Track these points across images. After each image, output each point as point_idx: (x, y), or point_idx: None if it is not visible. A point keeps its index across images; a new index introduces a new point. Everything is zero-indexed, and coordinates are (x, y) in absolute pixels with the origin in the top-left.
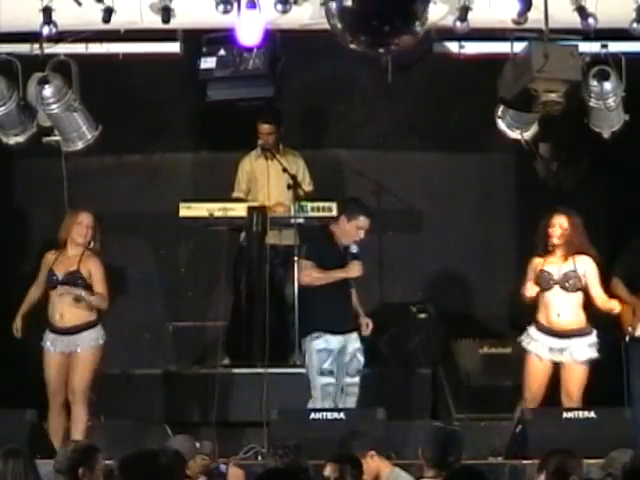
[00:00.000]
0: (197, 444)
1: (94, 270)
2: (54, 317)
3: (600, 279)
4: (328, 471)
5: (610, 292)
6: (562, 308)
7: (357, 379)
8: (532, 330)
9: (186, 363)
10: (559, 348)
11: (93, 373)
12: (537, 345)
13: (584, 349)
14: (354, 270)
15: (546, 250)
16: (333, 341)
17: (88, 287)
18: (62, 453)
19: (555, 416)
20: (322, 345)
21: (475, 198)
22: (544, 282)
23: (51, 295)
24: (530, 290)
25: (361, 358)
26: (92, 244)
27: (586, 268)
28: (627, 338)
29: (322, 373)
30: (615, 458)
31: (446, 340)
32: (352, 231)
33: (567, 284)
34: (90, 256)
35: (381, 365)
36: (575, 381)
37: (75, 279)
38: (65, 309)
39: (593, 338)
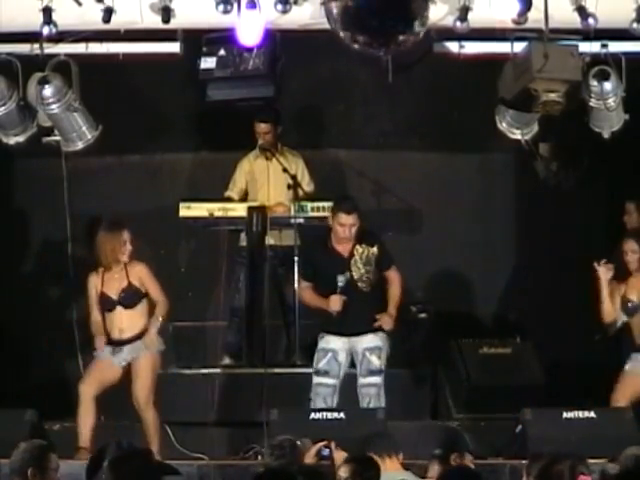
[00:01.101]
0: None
1: (142, 274)
2: (112, 333)
3: None
4: (343, 471)
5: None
6: None
7: (372, 379)
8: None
9: (186, 363)
10: None
11: (154, 378)
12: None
13: None
14: (334, 304)
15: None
16: (334, 341)
17: (144, 295)
18: (15, 453)
19: (555, 416)
20: (322, 345)
21: (475, 198)
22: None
23: (107, 315)
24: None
25: (373, 358)
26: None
27: None
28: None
29: (317, 372)
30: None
31: (446, 340)
32: (336, 229)
33: None
34: (133, 265)
35: None
36: None
37: (131, 297)
38: (123, 325)
39: None
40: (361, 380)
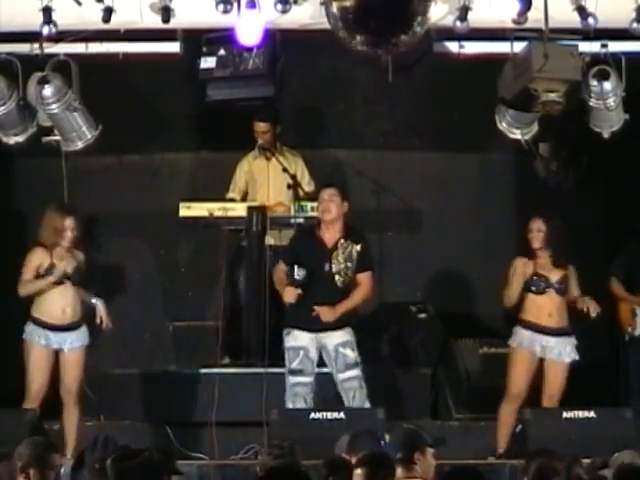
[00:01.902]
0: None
1: (82, 264)
2: (54, 313)
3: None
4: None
5: (608, 291)
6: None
7: (351, 373)
8: (520, 328)
9: (186, 363)
10: (548, 346)
11: (83, 371)
12: (528, 342)
13: (569, 349)
14: (287, 296)
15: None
16: (302, 338)
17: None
18: (17, 451)
19: (555, 416)
20: (291, 342)
21: (475, 198)
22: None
23: (49, 290)
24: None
25: (347, 352)
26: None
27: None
28: (626, 337)
29: (291, 372)
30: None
31: (446, 340)
32: (319, 206)
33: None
34: (77, 252)
35: (381, 365)
36: (560, 381)
37: (80, 278)
38: (67, 305)
39: (574, 340)
40: (340, 376)
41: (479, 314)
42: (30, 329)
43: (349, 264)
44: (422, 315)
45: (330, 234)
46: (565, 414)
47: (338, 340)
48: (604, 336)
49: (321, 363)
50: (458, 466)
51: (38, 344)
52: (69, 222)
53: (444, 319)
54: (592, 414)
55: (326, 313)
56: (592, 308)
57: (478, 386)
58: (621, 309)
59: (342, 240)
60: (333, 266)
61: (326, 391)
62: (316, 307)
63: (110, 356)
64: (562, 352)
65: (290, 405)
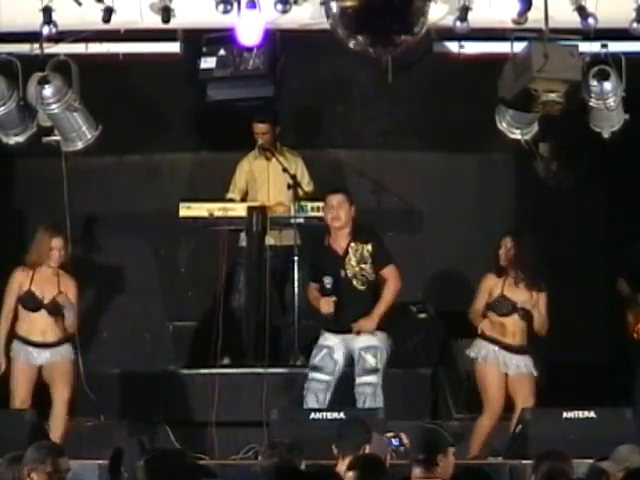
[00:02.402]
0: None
1: (71, 292)
2: (33, 334)
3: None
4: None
5: (616, 292)
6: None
7: (368, 379)
8: (485, 343)
9: (186, 363)
10: (512, 363)
11: (73, 385)
12: (493, 355)
13: (531, 365)
14: (324, 307)
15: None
16: (331, 339)
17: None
18: (27, 454)
19: (555, 416)
20: (320, 341)
21: (475, 198)
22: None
23: (26, 315)
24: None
25: (369, 357)
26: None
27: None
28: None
29: (312, 368)
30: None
31: (446, 340)
32: (326, 213)
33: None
34: (66, 277)
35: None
36: (531, 393)
37: (59, 307)
38: (48, 327)
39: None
40: (357, 379)
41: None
42: (14, 346)
43: (363, 265)
44: (422, 315)
45: (340, 240)
46: (565, 414)
47: (363, 344)
48: (604, 336)
49: (351, 364)
50: (466, 466)
51: (20, 361)
52: (56, 242)
53: (444, 319)
54: (592, 414)
55: (365, 325)
56: None
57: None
58: (628, 310)
59: (352, 244)
60: (348, 272)
61: (343, 391)
62: (354, 324)
63: (110, 356)
64: (526, 367)
65: (304, 400)
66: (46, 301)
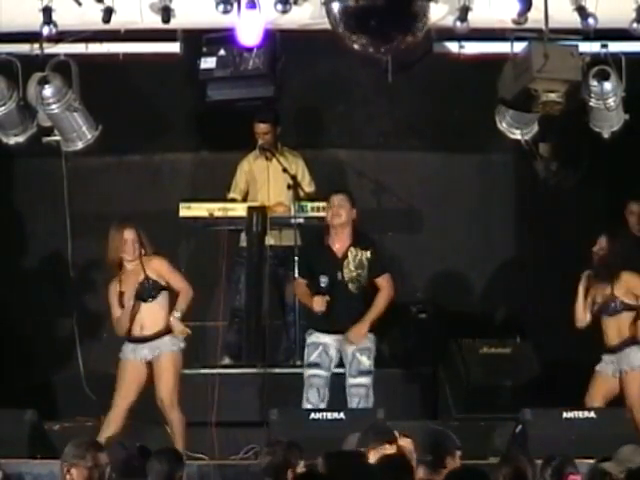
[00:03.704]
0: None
1: (160, 267)
2: (134, 329)
3: None
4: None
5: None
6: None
7: (361, 380)
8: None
9: (186, 363)
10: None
11: (177, 377)
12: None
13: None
14: (317, 305)
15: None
16: (324, 337)
17: (162, 288)
18: (67, 450)
19: (555, 416)
20: (312, 340)
21: (475, 198)
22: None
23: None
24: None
25: (363, 359)
26: (144, 252)
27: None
28: None
29: (309, 365)
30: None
31: (446, 340)
32: (328, 213)
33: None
34: (150, 259)
35: (381, 365)
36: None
37: (148, 290)
38: (144, 320)
39: None
40: (351, 380)
41: (479, 314)
42: (123, 346)
43: (360, 271)
44: (422, 315)
45: (339, 241)
46: (565, 414)
47: (358, 345)
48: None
49: (340, 364)
50: (467, 466)
51: (125, 357)
52: (128, 233)
53: (444, 319)
54: (592, 414)
55: (356, 334)
56: None
57: (478, 386)
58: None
59: (351, 248)
60: (345, 275)
61: (336, 391)
62: (347, 334)
63: (110, 356)
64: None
65: (304, 396)
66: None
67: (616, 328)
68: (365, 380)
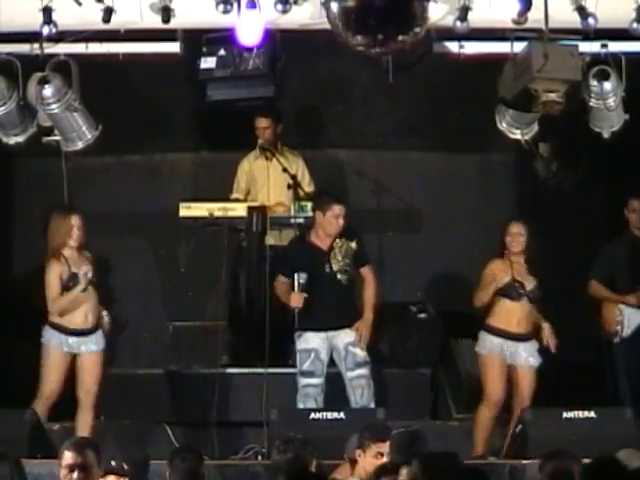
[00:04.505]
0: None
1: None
2: (78, 319)
3: None
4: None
5: (588, 294)
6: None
7: (360, 371)
8: (490, 336)
9: (186, 363)
10: (517, 352)
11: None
12: (498, 348)
13: (535, 354)
14: (294, 301)
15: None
16: (313, 340)
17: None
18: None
19: (555, 416)
20: (302, 345)
21: (475, 198)
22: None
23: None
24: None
25: (357, 351)
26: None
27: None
28: (617, 339)
29: (302, 374)
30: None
31: (446, 340)
32: (332, 222)
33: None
34: (87, 256)
35: (381, 365)
36: (531, 386)
37: (89, 281)
38: (90, 310)
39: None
40: (349, 374)
41: (479, 314)
42: (49, 334)
43: (347, 260)
44: (422, 315)
45: (325, 237)
46: (565, 414)
47: (348, 339)
48: (604, 337)
49: (331, 363)
50: (467, 466)
51: (57, 349)
52: (75, 220)
53: (444, 319)
54: (592, 414)
55: (363, 329)
56: (552, 344)
57: (478, 386)
58: (608, 311)
59: (337, 240)
60: (333, 266)
61: (335, 391)
62: (355, 326)
63: (110, 356)
64: (530, 357)
65: (301, 405)
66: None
67: None
68: (363, 371)
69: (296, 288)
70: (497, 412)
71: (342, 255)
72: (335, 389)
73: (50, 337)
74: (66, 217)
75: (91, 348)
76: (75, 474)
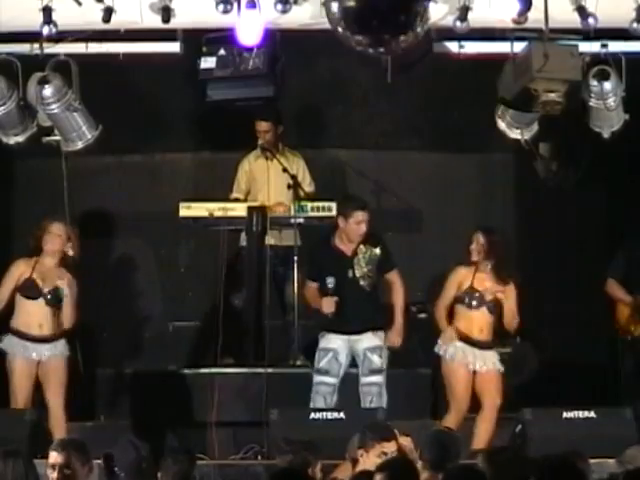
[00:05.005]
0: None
1: (71, 290)
2: (31, 326)
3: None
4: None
5: (605, 293)
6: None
7: (373, 378)
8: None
9: (186, 363)
10: (479, 358)
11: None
12: (462, 353)
13: (497, 361)
14: (326, 307)
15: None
16: (335, 340)
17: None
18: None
19: (555, 416)
20: (323, 344)
21: (475, 198)
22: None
23: (26, 303)
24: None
25: (374, 358)
26: (70, 253)
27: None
28: (629, 338)
29: (318, 371)
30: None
31: None
32: (354, 228)
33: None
34: (66, 272)
35: None
36: (498, 389)
37: (58, 299)
38: (44, 319)
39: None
40: (363, 379)
41: None
42: (9, 341)
43: (371, 267)
44: (422, 315)
45: (349, 242)
46: (565, 414)
47: (368, 344)
48: (604, 336)
49: (353, 364)
50: (466, 466)
51: (18, 355)
52: (55, 227)
53: None
54: (592, 414)
55: (394, 338)
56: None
57: None
58: (621, 310)
59: (361, 246)
60: (356, 272)
61: (353, 392)
62: (389, 339)
63: (110, 356)
64: (493, 364)
65: (311, 402)
66: (46, 290)
67: None
68: (376, 378)
69: (327, 293)
70: (463, 417)
71: (366, 262)
72: (348, 390)
73: (11, 343)
74: (50, 223)
75: (50, 354)
76: (56, 474)
